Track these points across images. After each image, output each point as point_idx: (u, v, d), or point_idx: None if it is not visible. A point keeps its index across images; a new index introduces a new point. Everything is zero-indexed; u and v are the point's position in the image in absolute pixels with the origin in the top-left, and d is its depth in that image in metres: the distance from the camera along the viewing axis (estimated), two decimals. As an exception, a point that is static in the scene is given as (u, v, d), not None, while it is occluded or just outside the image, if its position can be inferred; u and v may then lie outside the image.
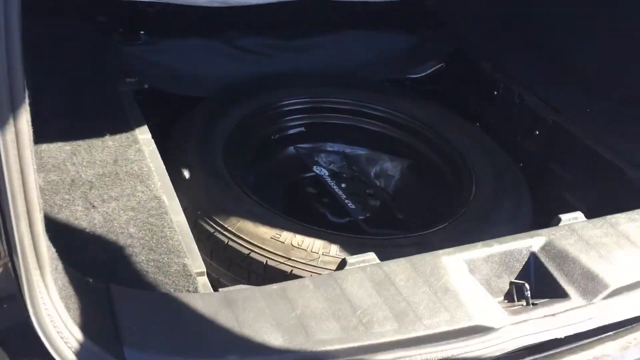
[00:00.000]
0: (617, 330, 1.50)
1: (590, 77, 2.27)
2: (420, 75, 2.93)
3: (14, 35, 0.94)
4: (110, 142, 1.78)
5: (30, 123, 1.01)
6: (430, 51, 2.88)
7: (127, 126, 1.88)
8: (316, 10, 2.72)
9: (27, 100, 1.00)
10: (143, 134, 1.88)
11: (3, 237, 1.06)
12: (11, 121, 0.97)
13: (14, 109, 0.97)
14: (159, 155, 1.81)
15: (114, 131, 1.84)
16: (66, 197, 1.55)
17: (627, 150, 2.05)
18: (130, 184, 1.64)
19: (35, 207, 1.05)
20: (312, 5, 2.64)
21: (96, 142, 1.77)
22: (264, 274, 1.78)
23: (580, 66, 2.31)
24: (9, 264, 1.06)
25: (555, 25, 2.43)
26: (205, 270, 1.45)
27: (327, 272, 1.75)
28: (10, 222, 1.03)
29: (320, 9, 2.72)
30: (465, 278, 1.49)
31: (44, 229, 1.09)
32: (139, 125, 1.92)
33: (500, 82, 2.52)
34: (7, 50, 0.93)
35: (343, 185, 2.34)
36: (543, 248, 1.59)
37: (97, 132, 1.82)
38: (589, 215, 1.75)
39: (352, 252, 1.79)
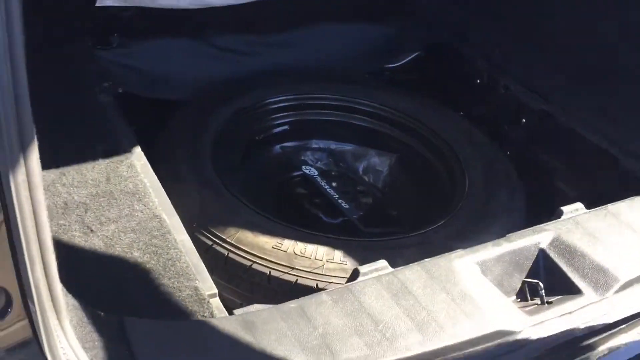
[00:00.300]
0: (630, 323, 1.51)
1: (577, 63, 2.27)
2: (397, 64, 2.89)
3: (21, 77, 0.87)
4: (100, 159, 1.70)
5: (39, 162, 0.94)
6: (408, 40, 2.84)
7: (115, 140, 1.80)
8: (292, 5, 2.65)
9: (35, 139, 0.93)
10: (133, 147, 1.80)
11: (16, 282, 0.99)
12: (22, 162, 0.91)
13: (24, 150, 0.90)
14: (151, 170, 1.74)
15: (102, 146, 1.75)
16: (61, 222, 1.47)
17: (618, 136, 2.06)
18: (127, 203, 1.56)
19: (49, 249, 0.98)
20: (288, 1, 2.58)
21: (85, 160, 1.68)
22: (267, 285, 1.73)
23: (566, 52, 2.30)
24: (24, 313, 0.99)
25: (539, 10, 2.42)
26: (217, 291, 1.40)
27: (332, 279, 1.72)
28: (25, 267, 0.96)
29: (295, 3, 2.65)
30: (479, 281, 1.48)
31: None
32: (127, 138, 1.84)
33: (483, 71, 2.51)
34: (15, 94, 0.86)
35: (334, 184, 2.29)
36: (551, 244, 1.59)
37: (84, 147, 1.73)
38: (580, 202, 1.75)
39: (356, 256, 1.76)
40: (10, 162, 0.89)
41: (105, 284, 1.35)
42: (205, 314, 1.32)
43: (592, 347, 1.45)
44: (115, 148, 1.76)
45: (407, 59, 2.87)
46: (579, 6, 2.26)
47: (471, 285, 1.45)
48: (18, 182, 0.91)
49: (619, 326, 1.48)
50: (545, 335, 1.38)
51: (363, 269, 1.47)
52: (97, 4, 2.20)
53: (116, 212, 1.53)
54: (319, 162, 2.48)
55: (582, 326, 1.41)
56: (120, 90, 2.33)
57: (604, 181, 2.07)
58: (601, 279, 1.51)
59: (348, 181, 2.38)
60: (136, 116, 2.29)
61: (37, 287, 0.97)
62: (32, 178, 0.92)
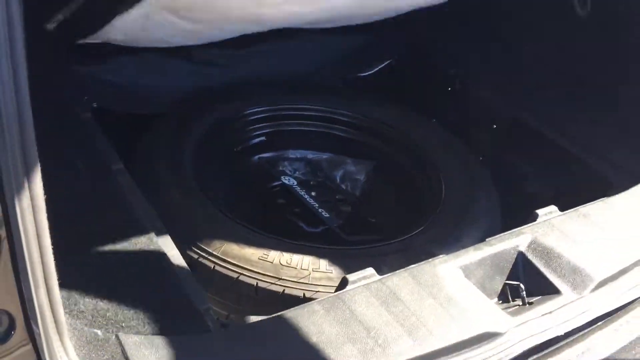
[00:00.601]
0: (606, 320, 1.59)
1: (547, 69, 2.35)
2: (369, 73, 2.94)
3: (24, 95, 0.89)
4: (84, 176, 1.70)
5: (42, 185, 0.96)
6: (381, 48, 2.90)
7: (97, 156, 1.80)
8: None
9: (38, 161, 0.95)
10: (116, 165, 1.80)
11: (19, 305, 1.00)
12: (26, 185, 0.92)
13: (28, 174, 0.92)
14: (136, 186, 1.75)
15: (85, 163, 1.75)
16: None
17: (587, 139, 2.15)
18: (114, 219, 1.57)
19: (52, 273, 1.00)
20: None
21: (68, 176, 1.68)
22: (255, 297, 1.76)
23: (536, 59, 2.38)
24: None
25: (511, 18, 2.49)
26: (209, 305, 1.42)
27: (319, 288, 1.75)
28: (29, 290, 0.97)
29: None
30: (463, 285, 1.53)
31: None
32: (109, 154, 1.84)
33: (455, 78, 2.58)
34: (19, 116, 0.88)
35: (313, 193, 2.33)
36: (529, 246, 1.65)
37: (67, 165, 1.73)
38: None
39: (341, 265, 1.80)
40: (15, 187, 0.90)
41: (98, 302, 1.35)
42: (200, 328, 1.34)
43: (571, 344, 1.52)
44: (99, 166, 1.77)
45: (379, 67, 2.93)
46: (547, 16, 2.34)
47: (456, 289, 1.50)
48: (23, 207, 0.92)
49: (596, 323, 1.56)
50: (529, 335, 1.43)
51: (351, 277, 1.50)
52: (79, 42, 2.19)
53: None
54: (297, 172, 2.52)
55: (562, 324, 1.48)
56: (95, 105, 2.32)
57: (574, 184, 2.15)
58: (578, 278, 1.57)
59: (327, 190, 2.42)
60: (111, 131, 2.29)
61: (41, 310, 0.98)
62: (36, 201, 0.93)
